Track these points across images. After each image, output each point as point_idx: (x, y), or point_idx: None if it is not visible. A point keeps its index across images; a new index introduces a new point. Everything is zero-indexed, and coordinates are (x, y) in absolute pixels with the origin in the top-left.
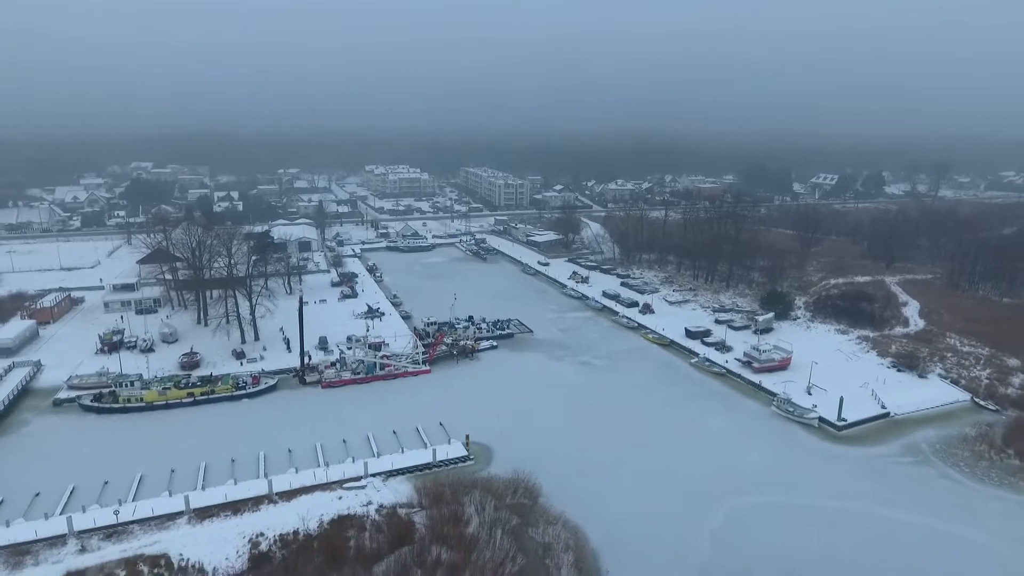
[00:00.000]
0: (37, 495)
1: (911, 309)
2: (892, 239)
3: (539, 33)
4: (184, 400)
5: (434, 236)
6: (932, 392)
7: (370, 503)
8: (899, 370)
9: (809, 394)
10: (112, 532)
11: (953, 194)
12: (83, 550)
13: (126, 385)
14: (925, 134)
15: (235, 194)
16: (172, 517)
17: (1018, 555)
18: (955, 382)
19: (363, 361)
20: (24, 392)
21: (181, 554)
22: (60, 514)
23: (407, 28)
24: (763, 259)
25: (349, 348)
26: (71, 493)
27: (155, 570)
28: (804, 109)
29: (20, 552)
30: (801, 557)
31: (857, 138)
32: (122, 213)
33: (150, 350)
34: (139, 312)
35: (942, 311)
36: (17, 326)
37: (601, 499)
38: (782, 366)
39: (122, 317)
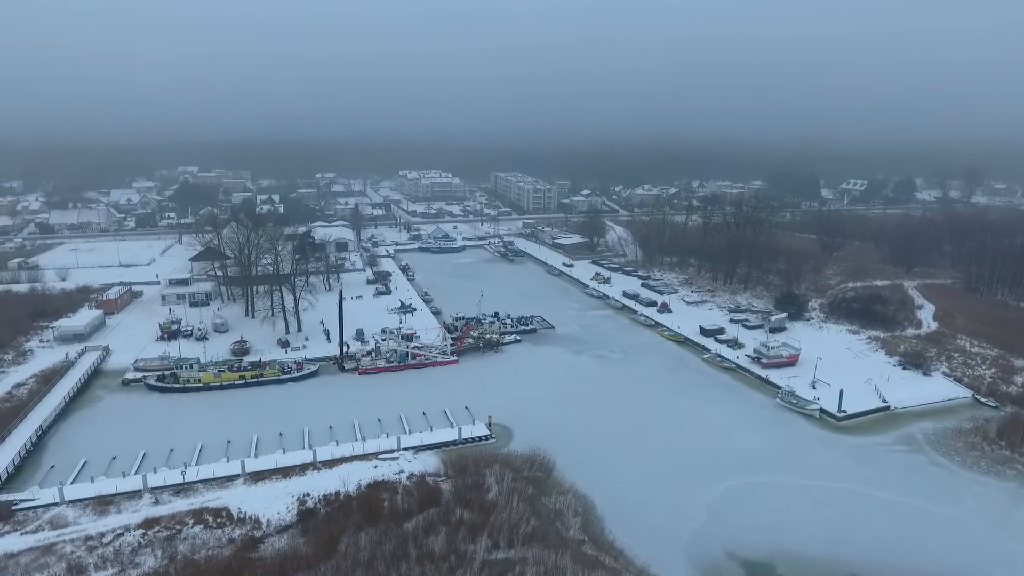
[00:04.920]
0: (114, 458)
1: (925, 312)
2: (914, 244)
3: (549, 40)
4: (236, 382)
5: (464, 238)
6: (934, 388)
7: (402, 471)
8: (904, 368)
9: (814, 388)
10: (180, 489)
11: (988, 200)
12: (157, 502)
13: (185, 368)
14: (960, 138)
15: (276, 197)
16: (230, 479)
17: (991, 531)
18: (958, 380)
19: (396, 351)
20: (96, 373)
21: (239, 508)
22: (135, 473)
23: (419, 38)
24: (782, 262)
25: (383, 339)
26: (143, 457)
27: (217, 519)
28: (833, 113)
29: (104, 502)
30: (787, 527)
31: (888, 143)
32: (172, 215)
33: (204, 338)
34: (193, 305)
35: (956, 314)
36: (87, 315)
37: (609, 474)
38: (790, 362)
39: (170, 309)
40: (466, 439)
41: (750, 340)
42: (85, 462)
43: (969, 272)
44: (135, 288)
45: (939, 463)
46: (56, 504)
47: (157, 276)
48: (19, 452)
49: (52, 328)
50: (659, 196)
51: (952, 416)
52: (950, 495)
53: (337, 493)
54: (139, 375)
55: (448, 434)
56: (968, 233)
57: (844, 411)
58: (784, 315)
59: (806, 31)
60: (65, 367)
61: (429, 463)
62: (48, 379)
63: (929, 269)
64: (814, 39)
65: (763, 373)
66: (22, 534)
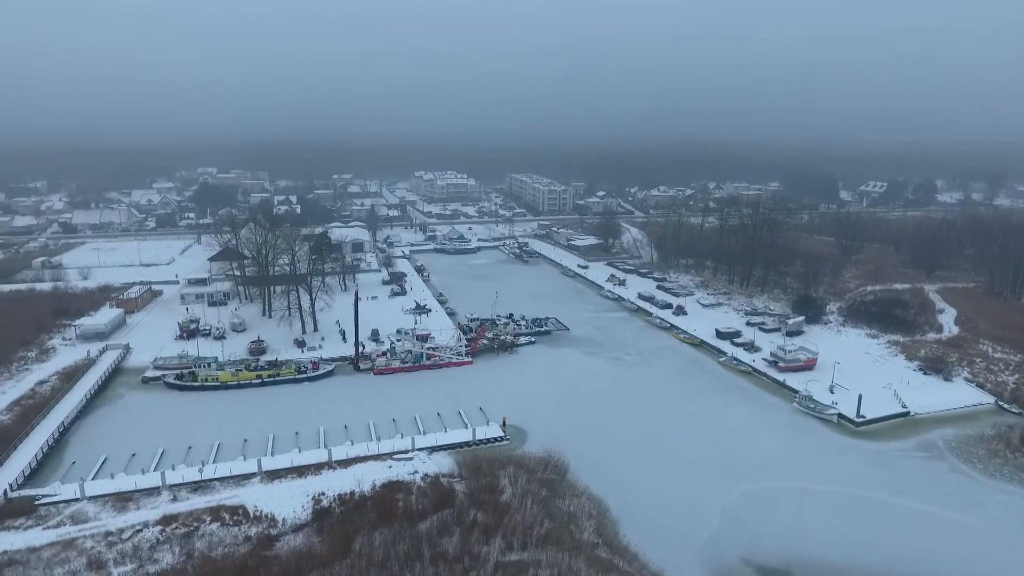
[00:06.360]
0: (134, 455)
1: (947, 316)
2: (935, 247)
3: (563, 40)
4: (253, 381)
5: (479, 239)
6: (956, 394)
7: (416, 472)
8: (925, 373)
9: (832, 392)
10: (197, 486)
11: (1011, 203)
12: (175, 499)
13: (204, 367)
14: (983, 140)
15: (293, 198)
16: (247, 477)
17: (1014, 540)
18: (980, 385)
19: (411, 351)
20: (117, 371)
21: (256, 506)
22: (154, 470)
23: (430, 39)
24: (799, 265)
25: (398, 340)
26: (161, 454)
27: (234, 517)
28: (852, 115)
29: (124, 499)
30: (804, 533)
31: (909, 145)
32: (191, 215)
33: (222, 337)
34: (211, 304)
35: (978, 318)
36: (108, 314)
37: (623, 477)
38: (808, 366)
39: (188, 308)
40: (480, 440)
41: (767, 343)
42: (105, 459)
43: (992, 276)
44: (155, 287)
45: (960, 470)
46: (77, 500)
47: (176, 276)
48: (41, 448)
49: (74, 326)
50: (675, 198)
51: (974, 422)
52: (971, 503)
53: (352, 493)
54: (158, 373)
55: (462, 435)
56: (991, 236)
57: (863, 416)
58: (801, 318)
59: (822, 31)
60: (87, 365)
61: (443, 464)
62: (70, 376)
63: (950, 273)
64: (832, 39)
65: (780, 377)
66: (44, 529)
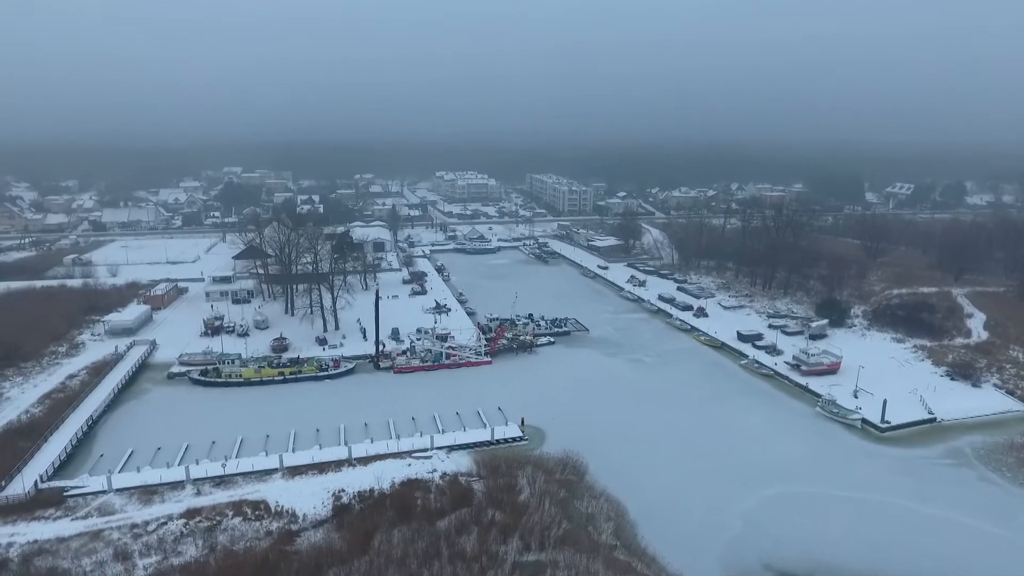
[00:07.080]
0: (159, 449)
1: (976, 321)
2: (964, 250)
3: (546, 43)
4: (276, 378)
5: (499, 239)
6: (984, 401)
7: (435, 470)
8: (952, 378)
9: (855, 397)
10: (220, 481)
11: None
12: (198, 493)
13: (227, 363)
14: (1015, 141)
15: (316, 197)
16: (268, 472)
17: None
18: (1010, 392)
19: (431, 350)
20: (143, 366)
21: (277, 501)
22: (178, 464)
23: (416, 41)
24: (823, 267)
25: (418, 339)
26: (186, 449)
27: (256, 512)
28: (879, 115)
29: (149, 492)
30: (827, 540)
31: (938, 146)
32: (217, 214)
33: (246, 334)
34: (235, 302)
35: (1009, 323)
36: (135, 310)
37: (642, 479)
38: (831, 370)
39: (212, 306)
40: (499, 440)
41: (789, 347)
42: (132, 452)
43: (1023, 280)
44: (181, 285)
45: (989, 478)
46: (104, 492)
47: (202, 273)
48: (71, 440)
49: (103, 322)
50: (696, 199)
51: (1003, 430)
52: (1000, 512)
53: (371, 490)
54: (183, 369)
55: (481, 434)
56: (1023, 238)
57: (887, 422)
58: (825, 321)
59: (821, 32)
60: (114, 360)
61: (462, 463)
62: (99, 371)
63: (979, 276)
64: (830, 40)
65: (802, 381)
66: (72, 520)
